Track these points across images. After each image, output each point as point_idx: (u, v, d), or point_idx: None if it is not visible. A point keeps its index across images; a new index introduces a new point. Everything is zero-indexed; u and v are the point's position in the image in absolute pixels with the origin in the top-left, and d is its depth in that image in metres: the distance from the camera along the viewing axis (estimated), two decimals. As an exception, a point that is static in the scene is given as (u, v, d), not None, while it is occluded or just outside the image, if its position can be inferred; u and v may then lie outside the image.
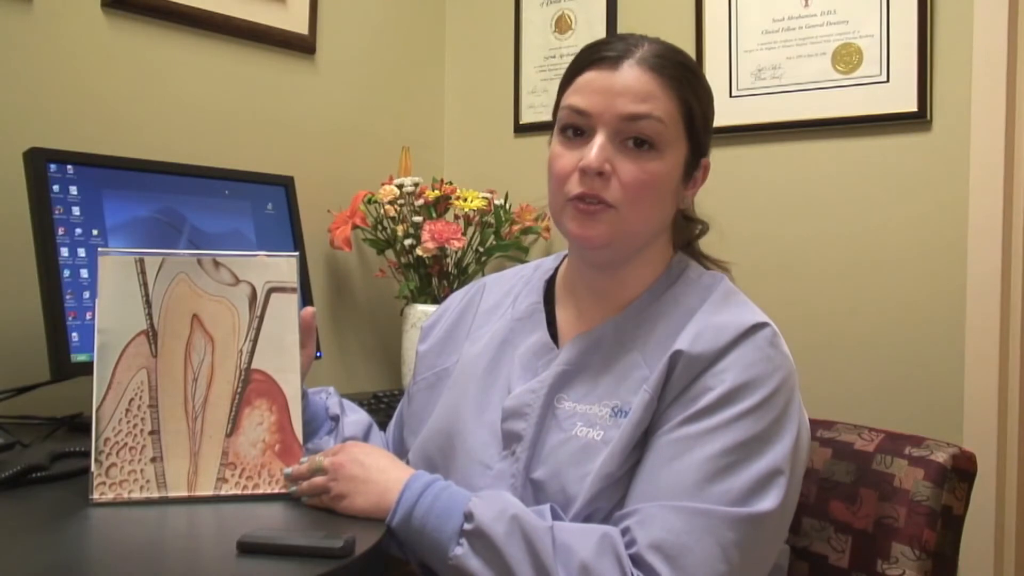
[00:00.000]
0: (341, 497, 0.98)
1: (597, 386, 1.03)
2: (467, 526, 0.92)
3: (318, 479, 1.00)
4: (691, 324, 1.01)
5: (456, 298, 1.25)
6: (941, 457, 1.10)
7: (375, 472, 0.99)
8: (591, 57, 1.04)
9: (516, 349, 1.11)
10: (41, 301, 1.40)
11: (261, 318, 1.08)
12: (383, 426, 1.28)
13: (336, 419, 1.19)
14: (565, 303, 1.13)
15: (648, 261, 1.08)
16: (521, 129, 2.29)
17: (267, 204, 1.72)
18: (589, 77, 1.02)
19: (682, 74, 1.02)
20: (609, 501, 0.96)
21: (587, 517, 0.96)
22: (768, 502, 0.92)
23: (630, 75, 1.00)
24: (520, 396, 1.06)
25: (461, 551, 0.92)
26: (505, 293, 1.20)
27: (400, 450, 1.21)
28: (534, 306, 1.14)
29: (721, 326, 0.99)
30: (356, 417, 1.21)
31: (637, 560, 0.89)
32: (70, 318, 1.40)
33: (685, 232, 1.13)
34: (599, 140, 1.00)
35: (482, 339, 1.15)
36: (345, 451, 1.03)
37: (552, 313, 1.13)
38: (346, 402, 1.23)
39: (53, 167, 1.43)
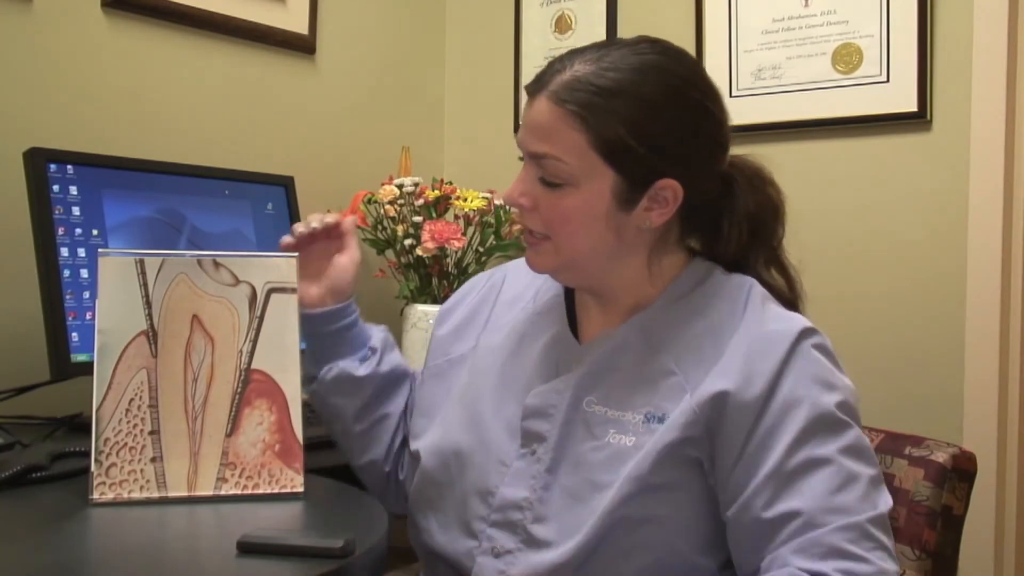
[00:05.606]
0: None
1: (629, 392, 0.99)
2: None
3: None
4: (731, 347, 0.97)
5: (477, 283, 1.21)
6: (941, 457, 1.09)
7: None
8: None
9: (536, 343, 1.08)
10: (41, 301, 1.40)
11: (261, 318, 1.08)
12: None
13: (375, 351, 1.16)
14: (585, 298, 1.09)
15: (635, 273, 1.04)
16: (521, 129, 2.28)
17: (267, 204, 1.72)
18: (524, 105, 1.03)
19: (597, 102, 0.94)
20: (638, 510, 0.93)
21: (613, 525, 0.93)
22: (887, 496, 0.92)
23: (536, 110, 0.98)
24: (544, 395, 1.03)
25: None
26: (527, 285, 1.16)
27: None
28: (555, 300, 1.11)
29: (764, 350, 0.95)
30: (399, 360, 1.19)
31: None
32: (70, 318, 1.40)
33: (712, 250, 1.09)
34: (521, 173, 1.01)
35: (502, 330, 1.12)
36: None
37: (573, 307, 1.10)
38: (395, 346, 1.21)
39: (53, 167, 1.43)
